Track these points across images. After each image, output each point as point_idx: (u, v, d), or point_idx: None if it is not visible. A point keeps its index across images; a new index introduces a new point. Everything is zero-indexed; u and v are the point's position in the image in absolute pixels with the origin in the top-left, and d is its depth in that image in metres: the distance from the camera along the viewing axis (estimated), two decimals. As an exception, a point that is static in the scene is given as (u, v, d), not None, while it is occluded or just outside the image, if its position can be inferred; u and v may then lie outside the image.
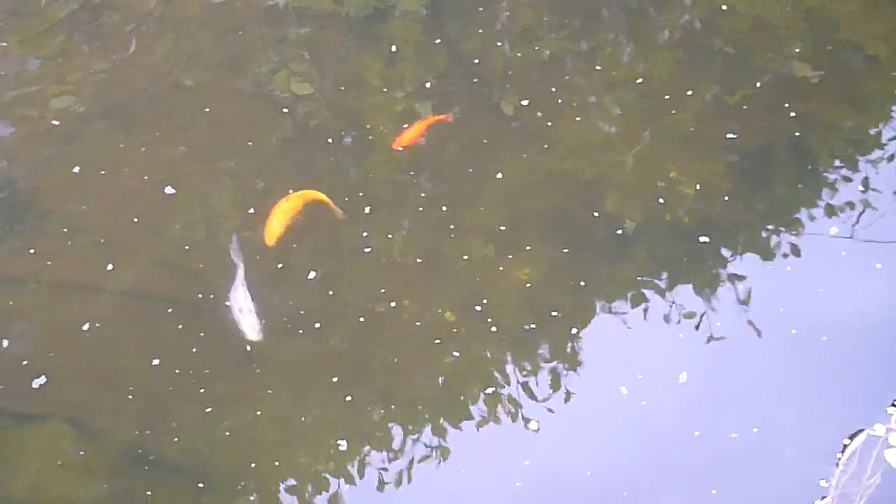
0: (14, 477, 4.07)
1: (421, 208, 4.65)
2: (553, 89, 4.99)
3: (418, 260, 4.49)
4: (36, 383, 4.22)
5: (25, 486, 4.05)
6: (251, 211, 4.64)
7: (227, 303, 4.29)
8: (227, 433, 4.11)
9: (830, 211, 4.54)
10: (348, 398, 4.14)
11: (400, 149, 4.78)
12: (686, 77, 4.98)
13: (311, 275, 4.44)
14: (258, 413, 4.14)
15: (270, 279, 4.44)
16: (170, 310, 4.39)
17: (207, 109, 5.03)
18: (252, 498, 4.01)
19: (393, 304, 4.34)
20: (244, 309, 4.25)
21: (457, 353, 4.23)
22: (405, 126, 4.86)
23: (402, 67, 5.16)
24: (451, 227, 4.56)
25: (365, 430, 4.12)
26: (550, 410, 4.09)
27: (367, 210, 4.63)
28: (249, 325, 4.24)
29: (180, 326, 4.34)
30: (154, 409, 4.20)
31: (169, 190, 4.74)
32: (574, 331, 4.29)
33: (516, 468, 3.96)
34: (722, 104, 4.86)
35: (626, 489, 3.89)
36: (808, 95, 4.83)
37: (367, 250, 4.51)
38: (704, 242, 4.44)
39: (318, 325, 4.31)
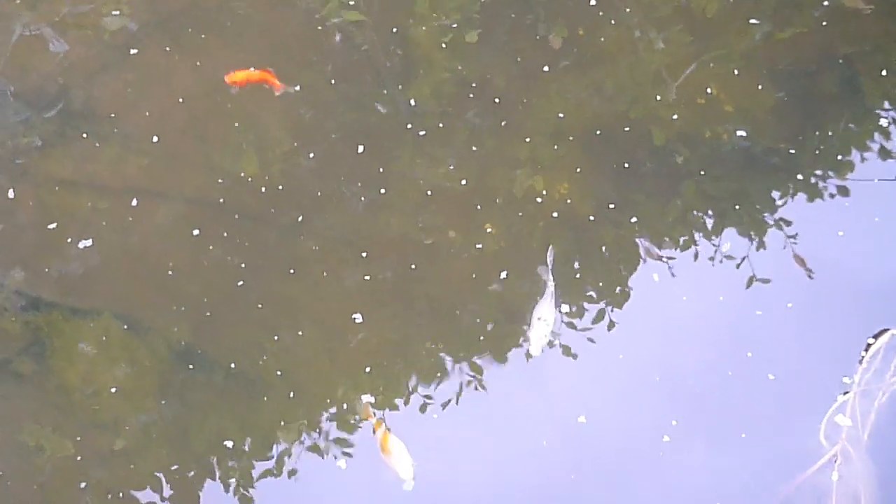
0: (69, 366, 4.21)
1: (468, 139, 4.72)
2: (600, 19, 4.98)
3: (463, 182, 4.58)
4: (83, 244, 4.43)
5: (79, 375, 4.22)
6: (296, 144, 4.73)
7: (532, 311, 4.20)
8: (273, 337, 4.31)
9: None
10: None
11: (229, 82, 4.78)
12: (737, 8, 4.95)
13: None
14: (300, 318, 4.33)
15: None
16: (222, 216, 4.52)
17: (258, 24, 5.09)
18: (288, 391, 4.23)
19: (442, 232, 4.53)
20: (543, 318, 4.13)
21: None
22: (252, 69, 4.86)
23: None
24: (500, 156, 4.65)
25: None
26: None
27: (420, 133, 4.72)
28: (538, 335, 4.12)
29: (231, 233, 4.49)
30: (201, 309, 4.38)
31: (220, 100, 4.82)
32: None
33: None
34: (773, 36, 4.84)
35: (656, 361, 4.08)
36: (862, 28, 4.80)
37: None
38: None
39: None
